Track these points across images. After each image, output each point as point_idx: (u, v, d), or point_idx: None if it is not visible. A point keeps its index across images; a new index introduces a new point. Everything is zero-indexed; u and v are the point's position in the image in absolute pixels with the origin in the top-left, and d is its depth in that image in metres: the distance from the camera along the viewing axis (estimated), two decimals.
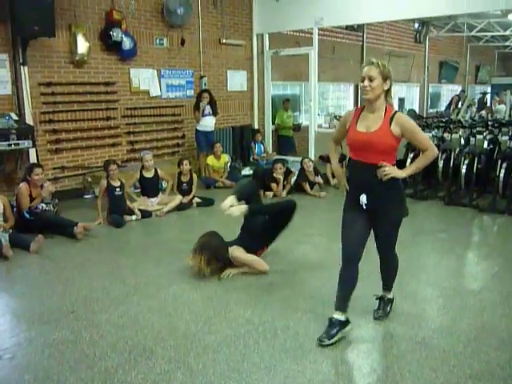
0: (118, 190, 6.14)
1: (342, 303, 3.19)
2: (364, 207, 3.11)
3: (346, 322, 3.16)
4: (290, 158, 10.02)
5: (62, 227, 5.42)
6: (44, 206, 5.62)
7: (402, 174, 3.07)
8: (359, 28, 13.55)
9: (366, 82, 3.00)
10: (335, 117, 9.80)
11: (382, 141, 3.00)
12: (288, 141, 11.28)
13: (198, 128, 8.58)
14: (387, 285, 3.48)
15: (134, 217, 6.22)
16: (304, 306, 3.67)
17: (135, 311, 3.65)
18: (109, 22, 7.87)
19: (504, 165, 6.44)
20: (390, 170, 2.99)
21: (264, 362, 2.92)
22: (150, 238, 5.73)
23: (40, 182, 5.64)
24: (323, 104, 13.76)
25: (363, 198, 3.10)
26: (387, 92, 3.07)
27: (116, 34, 7.87)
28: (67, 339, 3.24)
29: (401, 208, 3.20)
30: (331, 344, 3.07)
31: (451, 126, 7.37)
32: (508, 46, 19.50)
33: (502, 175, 6.42)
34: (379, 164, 3.00)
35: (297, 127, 11.54)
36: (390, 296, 3.51)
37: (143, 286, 4.15)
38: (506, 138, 7.05)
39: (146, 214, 6.37)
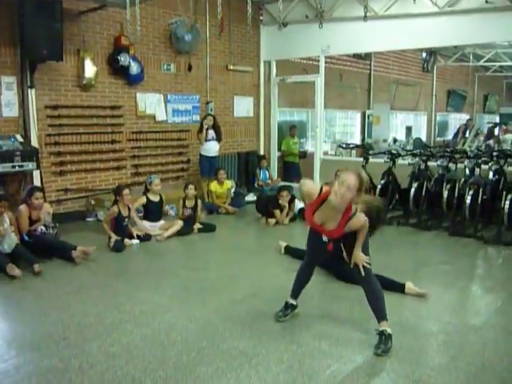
0: (126, 220, 6.12)
1: (297, 293, 3.94)
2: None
3: (296, 306, 3.93)
4: (295, 185, 9.98)
5: (60, 250, 5.39)
6: (43, 228, 5.60)
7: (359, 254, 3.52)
8: (367, 56, 13.65)
9: (343, 190, 3.18)
10: (340, 145, 9.78)
11: (332, 235, 3.51)
12: (294, 167, 11.26)
13: (202, 153, 8.61)
14: (377, 316, 3.49)
15: (134, 241, 6.17)
16: (299, 339, 3.58)
17: (127, 340, 3.58)
18: (117, 47, 7.97)
19: (509, 196, 6.36)
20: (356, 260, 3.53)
21: None
22: (149, 263, 5.68)
23: (40, 206, 5.62)
24: (330, 131, 13.79)
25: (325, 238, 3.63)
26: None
27: (124, 59, 7.95)
28: (56, 367, 3.18)
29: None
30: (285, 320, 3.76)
31: (456, 156, 7.32)
32: None
33: (507, 206, 6.34)
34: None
35: (303, 154, 11.54)
36: (389, 331, 3.42)
37: (138, 313, 4.08)
38: (511, 168, 6.98)
39: (145, 238, 6.33)
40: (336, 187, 3.19)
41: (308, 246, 3.84)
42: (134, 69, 8.22)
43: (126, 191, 6.11)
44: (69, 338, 3.61)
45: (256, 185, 9.97)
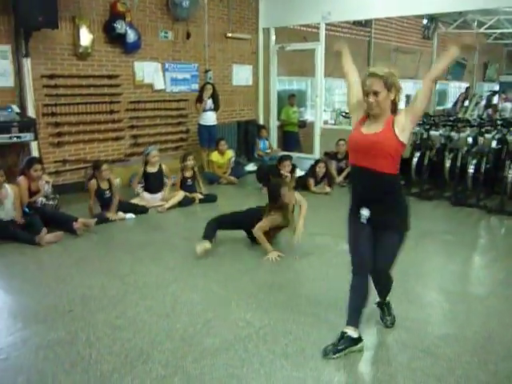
0: (107, 192, 5.98)
1: (354, 317, 3.02)
2: (365, 222, 2.95)
3: (358, 340, 2.99)
4: (294, 155, 9.90)
5: (61, 222, 5.34)
6: (44, 200, 5.54)
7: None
8: (367, 23, 13.39)
9: (372, 98, 2.79)
10: (341, 113, 9.67)
11: (388, 142, 2.80)
12: (293, 137, 11.15)
13: (200, 122, 8.48)
14: (382, 296, 3.35)
15: (128, 215, 6.07)
16: (307, 310, 3.58)
17: (133, 312, 3.57)
18: (113, 14, 7.74)
19: None
20: None
21: (264, 368, 2.84)
22: (151, 234, 5.63)
23: (39, 177, 5.56)
24: (330, 100, 13.63)
25: (364, 212, 2.94)
26: (394, 103, 2.86)
27: (120, 27, 7.76)
28: (63, 340, 3.17)
29: (405, 222, 3.03)
30: (334, 358, 2.93)
31: (459, 125, 7.24)
32: None
33: (510, 175, 6.31)
34: None
35: (302, 123, 11.42)
36: (387, 299, 3.39)
37: (142, 284, 4.07)
38: None
39: (141, 210, 6.27)
40: (366, 98, 2.82)
41: (350, 239, 3.14)
42: (131, 36, 8.01)
43: (105, 166, 5.97)
44: (74, 310, 3.60)
45: (255, 154, 9.88)
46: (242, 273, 4.34)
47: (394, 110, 2.89)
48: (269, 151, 9.89)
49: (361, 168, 2.90)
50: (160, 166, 6.71)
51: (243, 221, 5.00)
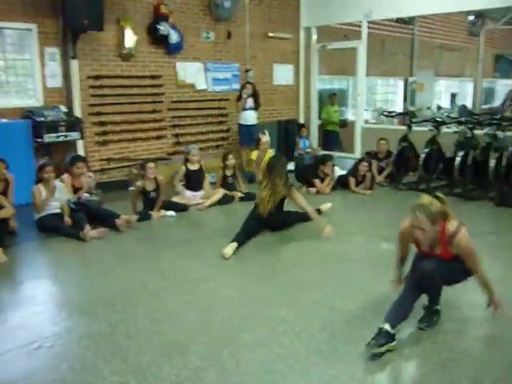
0: (152, 193, 6.09)
1: (394, 316, 3.04)
2: None
3: (393, 338, 2.97)
4: (335, 154, 9.86)
5: (104, 218, 5.51)
6: (87, 195, 5.74)
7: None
8: (410, 21, 13.17)
9: (420, 235, 3.06)
10: (382, 113, 9.55)
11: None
12: (334, 136, 11.10)
13: (240, 122, 8.56)
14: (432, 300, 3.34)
15: (169, 212, 6.19)
16: (341, 307, 3.58)
17: (172, 306, 3.66)
18: (156, 15, 7.94)
19: None
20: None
21: (298, 364, 2.86)
22: (191, 232, 5.74)
23: (82, 175, 5.77)
24: (371, 99, 13.49)
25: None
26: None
27: (163, 28, 7.95)
28: (104, 331, 3.29)
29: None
30: (379, 353, 2.91)
31: (504, 124, 7.04)
32: None
33: None
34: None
35: (343, 122, 11.33)
36: (437, 307, 3.37)
37: (181, 279, 4.16)
38: None
39: (182, 208, 6.38)
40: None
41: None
42: (174, 38, 8.19)
43: (151, 164, 6.08)
44: (115, 303, 3.71)
45: (296, 154, 9.88)
46: (280, 270, 4.38)
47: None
48: (309, 150, 9.87)
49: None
50: (200, 164, 6.82)
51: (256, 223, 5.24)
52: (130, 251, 4.94)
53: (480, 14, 15.31)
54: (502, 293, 3.92)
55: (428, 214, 2.99)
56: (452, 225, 3.08)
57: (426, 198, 3.08)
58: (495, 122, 7.07)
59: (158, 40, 8.03)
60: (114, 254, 4.85)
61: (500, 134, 7.08)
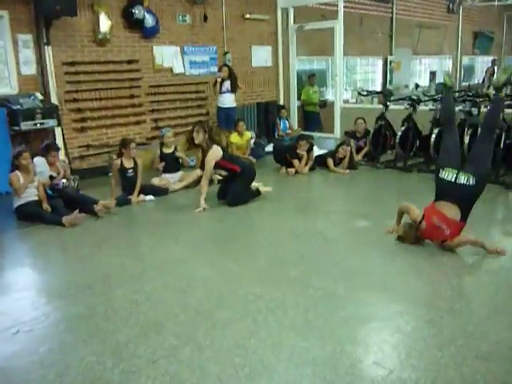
0: (130, 171, 6.12)
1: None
2: None
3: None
4: (315, 135, 9.94)
5: (83, 204, 5.52)
6: (65, 181, 5.76)
7: None
8: None
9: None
10: (359, 92, 9.58)
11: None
12: (314, 117, 11.15)
13: (218, 105, 8.58)
14: None
15: (148, 197, 6.22)
16: (316, 283, 3.67)
17: (150, 287, 3.73)
18: None
19: None
20: None
21: (271, 339, 2.95)
22: (170, 215, 5.76)
23: (55, 162, 5.80)
24: (351, 79, 13.52)
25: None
26: None
27: (138, 12, 7.89)
28: (82, 314, 3.35)
29: None
30: None
31: (477, 100, 7.13)
32: None
33: None
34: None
35: (323, 103, 11.38)
36: None
37: (160, 262, 4.23)
38: None
39: (162, 192, 6.42)
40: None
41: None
42: (150, 21, 8.15)
43: (133, 145, 6.15)
44: (94, 286, 3.77)
45: (276, 135, 9.94)
46: (257, 250, 4.46)
47: None
48: (289, 131, 9.93)
49: None
50: (175, 147, 6.87)
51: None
52: (108, 236, 4.98)
53: None
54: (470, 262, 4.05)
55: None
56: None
57: None
58: (469, 98, 7.17)
59: (133, 24, 7.98)
60: (93, 239, 4.89)
61: (474, 110, 7.19)
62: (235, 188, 5.82)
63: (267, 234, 4.88)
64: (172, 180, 6.75)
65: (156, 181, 6.65)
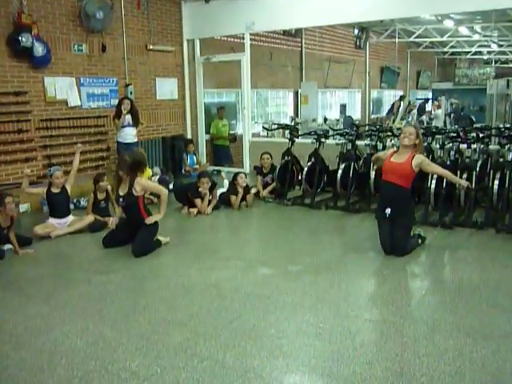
0: (5, 230, 5.31)
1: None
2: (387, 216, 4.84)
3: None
4: (225, 169, 9.57)
5: None
6: None
7: None
8: (297, 33, 13.31)
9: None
10: (264, 127, 9.36)
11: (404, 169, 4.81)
12: (224, 151, 10.80)
13: (119, 140, 8.01)
14: None
15: (6, 246, 5.36)
16: (202, 351, 3.18)
17: (1, 366, 3.07)
18: (17, 26, 7.21)
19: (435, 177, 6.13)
20: None
21: None
22: (48, 267, 4.93)
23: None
24: (263, 111, 13.40)
25: (387, 211, 4.83)
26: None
27: (26, 40, 7.23)
28: None
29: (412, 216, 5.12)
30: None
31: (381, 135, 7.08)
32: (446, 52, 19.82)
33: (433, 186, 6.15)
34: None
35: (233, 137, 11.05)
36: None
37: (22, 331, 3.55)
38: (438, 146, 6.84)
39: (24, 241, 5.51)
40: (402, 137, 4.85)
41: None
42: (39, 50, 7.49)
43: (9, 199, 5.29)
44: None
45: (183, 171, 9.47)
46: (140, 310, 3.87)
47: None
48: (197, 167, 9.49)
49: (386, 181, 4.94)
50: (64, 187, 6.14)
51: None
52: None
53: (363, 28, 15.91)
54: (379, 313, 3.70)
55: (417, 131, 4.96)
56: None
57: None
58: (373, 133, 7.10)
59: (20, 53, 7.29)
60: None
61: (379, 145, 7.13)
62: (144, 234, 5.22)
63: (156, 289, 4.29)
64: (59, 226, 6.00)
65: (40, 228, 5.88)
